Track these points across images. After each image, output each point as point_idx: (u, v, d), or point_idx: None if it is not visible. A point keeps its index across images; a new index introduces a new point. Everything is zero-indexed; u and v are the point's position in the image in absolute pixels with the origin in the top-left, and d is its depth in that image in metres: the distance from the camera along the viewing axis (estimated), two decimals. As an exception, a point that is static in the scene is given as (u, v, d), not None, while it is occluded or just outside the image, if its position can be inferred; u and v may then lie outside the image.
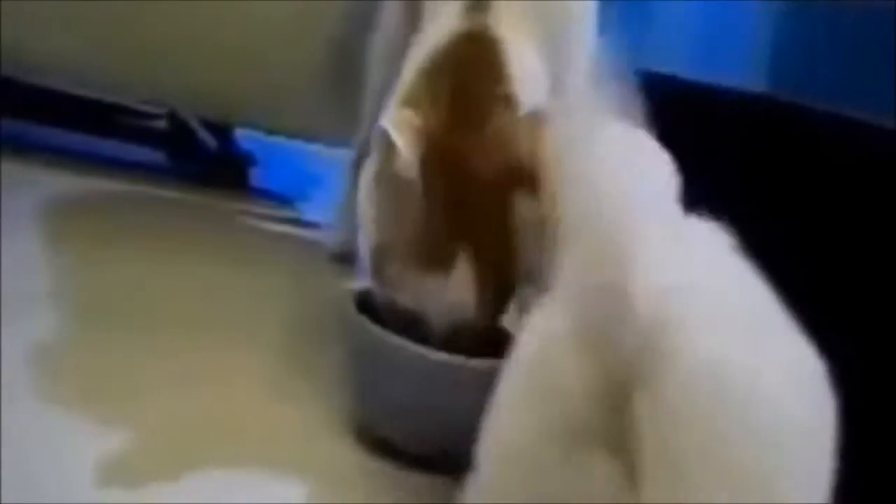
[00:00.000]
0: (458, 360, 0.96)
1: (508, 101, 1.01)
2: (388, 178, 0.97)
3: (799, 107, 1.18)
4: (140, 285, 1.28)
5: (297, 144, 2.02)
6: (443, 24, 1.06)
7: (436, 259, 0.97)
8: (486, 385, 0.99)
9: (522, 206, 0.97)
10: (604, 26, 1.22)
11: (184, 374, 1.07)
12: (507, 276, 1.01)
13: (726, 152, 0.99)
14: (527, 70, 1.05)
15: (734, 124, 1.08)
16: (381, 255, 1.01)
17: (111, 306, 1.19)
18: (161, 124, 2.06)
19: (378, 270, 1.01)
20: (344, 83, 1.73)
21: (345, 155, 1.74)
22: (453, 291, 0.97)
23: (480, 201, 0.98)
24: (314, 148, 2.02)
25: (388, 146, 0.95)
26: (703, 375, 0.57)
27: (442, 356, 0.96)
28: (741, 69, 1.39)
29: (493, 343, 1.01)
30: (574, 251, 0.71)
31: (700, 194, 0.94)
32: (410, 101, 1.01)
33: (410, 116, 0.97)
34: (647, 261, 0.63)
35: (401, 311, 0.99)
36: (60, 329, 1.08)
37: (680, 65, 1.46)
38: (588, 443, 0.63)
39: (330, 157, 2.03)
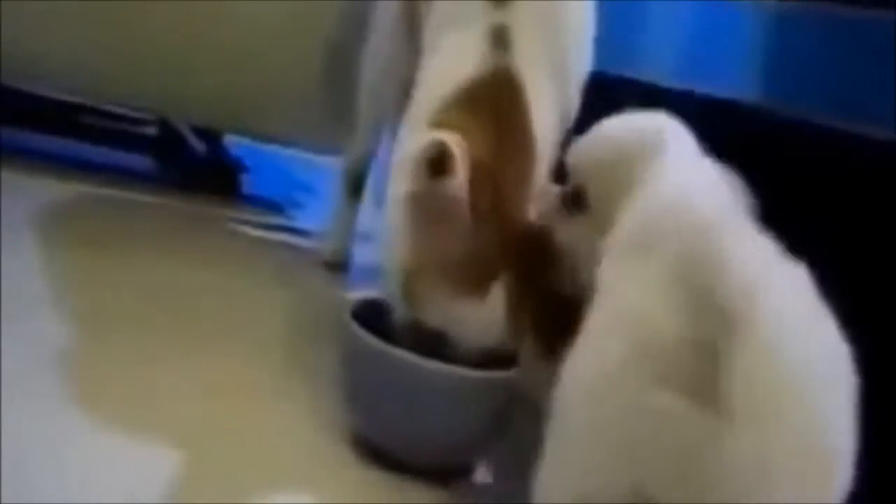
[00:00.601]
0: (452, 370, 0.96)
1: (532, 140, 1.03)
2: (432, 199, 0.96)
3: (789, 118, 1.18)
4: (131, 291, 1.28)
5: (288, 152, 2.03)
6: (464, 54, 1.06)
7: (473, 283, 0.97)
8: (480, 395, 1.00)
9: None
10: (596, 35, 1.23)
11: (176, 380, 1.06)
12: (526, 305, 1.00)
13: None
14: (544, 109, 1.06)
15: (723, 134, 1.08)
16: (413, 277, 0.99)
17: (103, 312, 1.19)
18: (151, 131, 2.06)
19: (409, 292, 0.99)
20: (335, 92, 1.74)
21: (335, 163, 1.75)
22: (487, 316, 0.97)
23: (513, 225, 0.98)
24: (304, 155, 2.02)
25: (432, 166, 0.94)
26: (786, 335, 0.66)
27: (436, 366, 0.96)
28: (733, 77, 1.39)
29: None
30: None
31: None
32: (444, 127, 0.99)
33: (458, 139, 0.95)
34: (737, 240, 0.72)
35: (426, 333, 0.98)
36: (53, 334, 1.07)
37: (671, 73, 1.47)
38: (671, 386, 0.68)
39: (320, 165, 2.04)
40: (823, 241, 0.88)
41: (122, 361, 1.07)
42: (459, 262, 0.96)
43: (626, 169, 0.92)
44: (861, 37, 1.18)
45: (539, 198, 1.01)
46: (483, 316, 0.97)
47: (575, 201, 0.96)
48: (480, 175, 0.95)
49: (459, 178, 0.93)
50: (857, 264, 0.87)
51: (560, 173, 1.00)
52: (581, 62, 1.20)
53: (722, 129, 0.95)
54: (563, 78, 1.13)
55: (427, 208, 0.97)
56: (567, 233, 0.97)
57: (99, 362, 1.06)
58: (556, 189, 0.99)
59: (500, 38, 1.06)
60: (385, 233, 1.04)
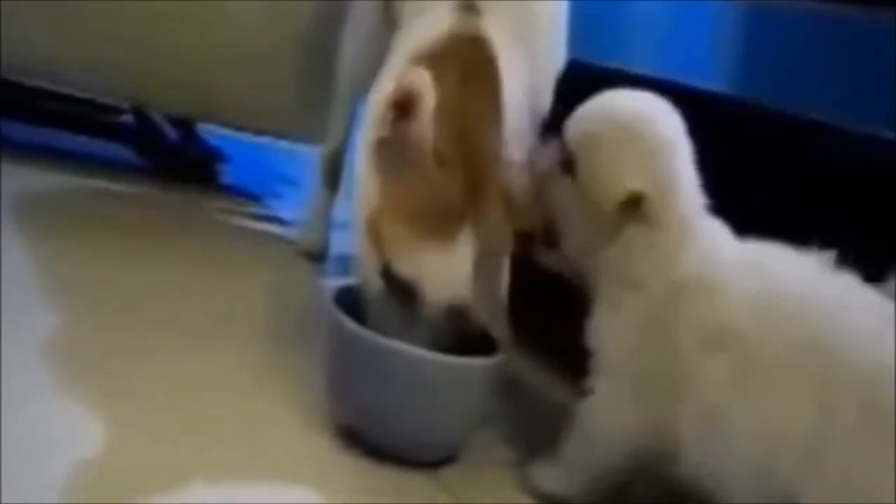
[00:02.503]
0: (436, 357, 0.97)
1: (500, 99, 1.04)
2: (397, 142, 0.97)
3: (762, 108, 1.20)
4: (108, 281, 1.27)
5: (265, 141, 2.02)
6: (435, 23, 1.08)
7: (439, 228, 0.97)
8: (463, 382, 1.01)
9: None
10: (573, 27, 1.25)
11: (155, 368, 1.06)
12: (498, 261, 1.02)
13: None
14: (513, 76, 1.07)
15: (697, 124, 1.10)
16: (379, 220, 0.99)
17: (79, 302, 1.18)
18: (127, 120, 2.05)
19: (376, 236, 1.00)
20: (311, 81, 1.74)
21: (312, 152, 1.75)
22: (453, 266, 0.97)
23: (484, 182, 0.99)
24: (281, 145, 2.02)
25: (398, 109, 0.96)
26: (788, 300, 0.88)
27: (420, 353, 0.96)
28: (706, 70, 1.41)
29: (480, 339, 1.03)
30: None
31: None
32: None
33: (427, 78, 0.96)
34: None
35: (395, 285, 0.98)
36: (30, 323, 1.07)
37: (646, 63, 1.49)
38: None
39: (297, 155, 2.03)
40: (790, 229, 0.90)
41: (100, 350, 1.07)
42: (424, 206, 0.97)
43: (611, 146, 0.95)
44: (836, 32, 1.20)
45: (535, 155, 1.03)
46: (450, 266, 0.97)
47: (566, 167, 0.98)
48: (446, 122, 0.96)
49: (425, 122, 0.95)
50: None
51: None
52: (553, 44, 1.22)
53: (700, 119, 0.98)
54: (533, 53, 1.14)
55: (392, 152, 0.98)
56: (558, 194, 0.99)
57: (78, 351, 1.06)
58: (554, 149, 1.00)
59: (470, 8, 1.09)
60: (353, 189, 1.05)
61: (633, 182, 0.93)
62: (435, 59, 1.03)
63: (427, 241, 0.96)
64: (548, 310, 1.03)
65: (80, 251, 1.35)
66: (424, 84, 0.95)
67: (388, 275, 0.98)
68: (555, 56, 1.23)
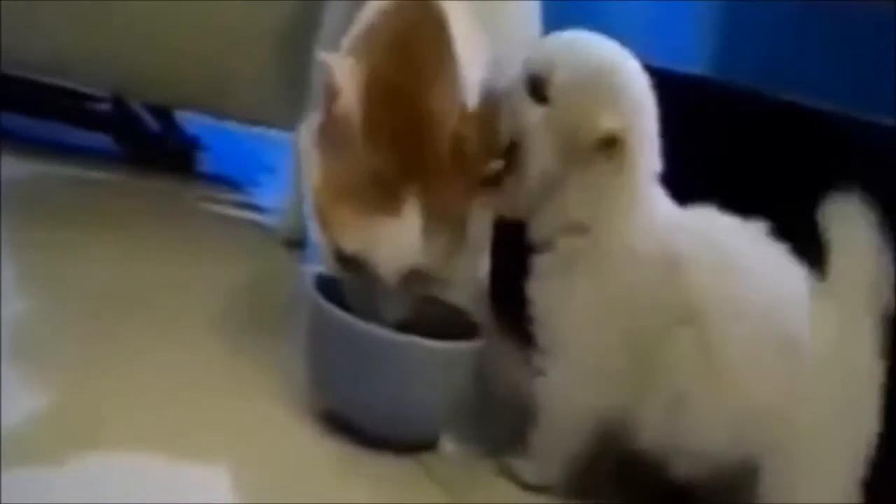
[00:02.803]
0: (418, 342, 0.97)
1: (452, 61, 1.04)
2: (331, 121, 0.98)
3: (744, 90, 1.20)
4: (85, 270, 1.26)
5: (244, 129, 2.01)
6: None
7: (383, 202, 0.97)
8: (445, 366, 1.01)
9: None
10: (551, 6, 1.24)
11: (134, 357, 1.06)
12: (457, 221, 1.01)
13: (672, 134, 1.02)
14: (469, 48, 1.07)
15: (678, 107, 1.10)
16: (321, 200, 1.00)
17: (60, 289, 1.18)
18: (105, 108, 2.03)
19: (323, 218, 1.01)
20: (291, 67, 1.73)
21: (292, 139, 1.74)
22: (401, 236, 0.97)
23: (428, 146, 0.98)
24: (261, 132, 2.01)
25: (331, 91, 0.97)
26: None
27: (403, 338, 0.96)
28: (687, 53, 1.41)
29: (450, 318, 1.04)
30: None
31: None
32: (352, 53, 1.03)
33: (351, 62, 0.99)
34: None
35: (349, 261, 0.99)
36: (9, 313, 1.05)
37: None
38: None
39: (276, 142, 2.02)
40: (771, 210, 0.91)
41: (77, 339, 1.07)
42: (360, 182, 0.97)
43: (595, 80, 0.95)
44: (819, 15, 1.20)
45: (499, 81, 1.02)
46: (396, 235, 0.97)
47: (534, 89, 0.97)
48: (385, 94, 0.97)
49: (345, 100, 0.96)
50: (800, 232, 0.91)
51: None
52: (519, 16, 1.23)
53: (678, 101, 0.98)
54: (495, 25, 1.14)
55: (327, 134, 0.99)
56: (526, 120, 0.98)
57: (52, 340, 1.05)
58: (520, 73, 1.00)
59: None
60: (304, 161, 1.07)
61: (612, 121, 0.93)
62: (378, 29, 1.04)
63: (369, 215, 0.97)
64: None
65: (56, 240, 1.33)
66: (343, 65, 0.97)
67: (339, 255, 0.99)
68: (522, 29, 1.22)
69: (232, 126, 1.97)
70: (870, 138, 1.04)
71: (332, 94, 0.97)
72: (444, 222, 0.99)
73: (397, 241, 0.97)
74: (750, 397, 0.90)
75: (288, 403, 1.04)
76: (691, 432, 0.91)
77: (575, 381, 0.96)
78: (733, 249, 0.93)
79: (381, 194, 0.97)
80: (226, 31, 1.73)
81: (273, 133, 1.93)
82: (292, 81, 1.71)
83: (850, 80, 1.13)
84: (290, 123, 1.79)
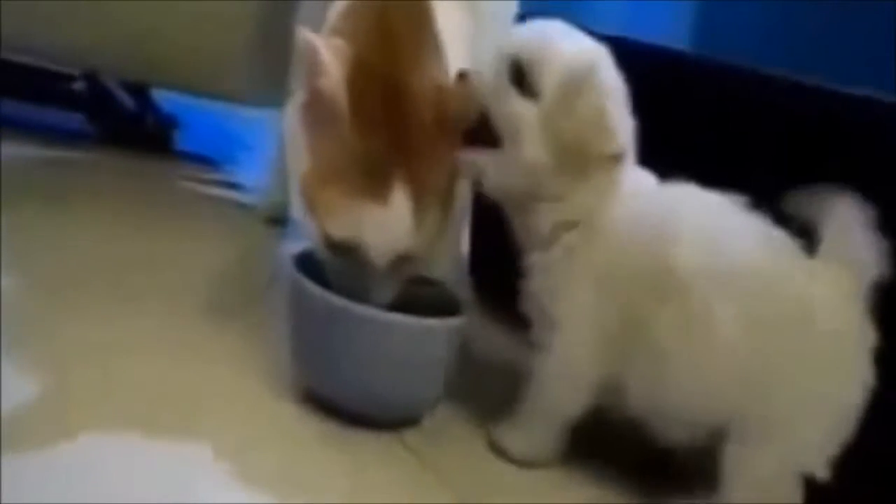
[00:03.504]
0: (402, 319, 0.97)
1: (433, 41, 1.04)
2: (316, 103, 0.97)
3: (721, 64, 1.20)
4: (63, 250, 1.25)
5: (221, 106, 2.00)
6: None
7: (371, 187, 0.96)
8: (428, 344, 1.01)
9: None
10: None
11: (117, 336, 1.05)
12: (442, 201, 1.01)
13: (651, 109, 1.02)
14: (451, 24, 1.07)
15: (657, 82, 1.10)
16: (310, 183, 0.99)
17: (39, 271, 1.16)
18: (79, 86, 2.01)
19: (311, 202, 0.99)
20: (270, 43, 1.71)
21: (271, 117, 1.72)
22: (391, 221, 0.97)
23: (413, 127, 0.98)
24: (238, 110, 2.00)
25: (317, 72, 0.95)
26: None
27: (380, 315, 0.96)
28: (667, 27, 1.41)
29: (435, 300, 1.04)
30: None
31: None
32: (336, 34, 1.02)
33: (337, 42, 0.97)
34: None
35: (338, 246, 0.98)
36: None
37: (608, 24, 1.48)
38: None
39: (255, 120, 2.01)
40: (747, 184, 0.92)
41: (56, 318, 1.06)
42: (349, 166, 0.96)
43: (587, 78, 0.95)
44: None
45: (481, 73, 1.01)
46: (386, 219, 0.96)
47: (522, 81, 0.97)
48: (366, 76, 0.96)
49: (332, 77, 0.94)
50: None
51: None
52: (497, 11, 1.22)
53: (655, 76, 0.98)
54: (475, 5, 1.14)
55: (313, 114, 0.98)
56: (514, 112, 0.97)
57: (32, 319, 1.05)
58: (501, 59, 0.99)
59: None
60: (288, 143, 1.05)
61: (616, 146, 0.95)
62: (361, 9, 1.03)
63: (358, 199, 0.95)
64: (513, 270, 1.03)
65: (32, 221, 1.32)
66: (331, 45, 0.95)
67: (329, 240, 0.98)
68: (501, 8, 1.22)
69: (208, 104, 1.95)
70: (852, 110, 1.04)
71: (317, 72, 0.95)
72: (430, 203, 0.99)
73: (387, 226, 0.97)
74: (727, 365, 0.91)
75: (269, 381, 1.03)
76: (670, 397, 0.93)
77: (576, 354, 0.97)
78: (714, 223, 0.94)
79: (369, 178, 0.96)
80: (203, 8, 1.71)
81: (250, 111, 1.92)
82: (271, 59, 1.69)
83: (834, 54, 1.13)
84: (268, 101, 1.78)
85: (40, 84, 1.96)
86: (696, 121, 1.15)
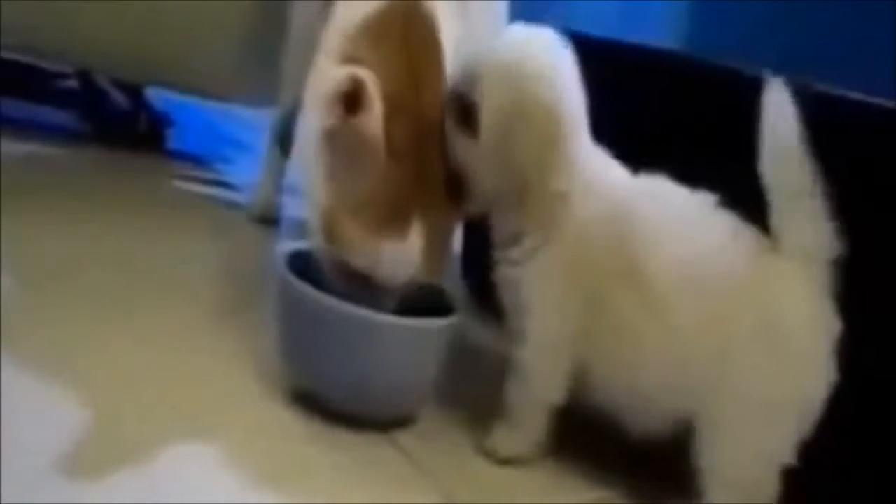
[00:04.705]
0: (393, 320, 0.97)
1: (443, 72, 1.02)
2: (347, 135, 0.94)
3: (712, 65, 1.20)
4: (55, 248, 1.26)
5: (213, 106, 2.00)
6: None
7: (393, 221, 0.96)
8: (419, 343, 1.01)
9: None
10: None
11: (108, 335, 1.05)
12: (448, 232, 1.02)
13: (638, 107, 1.02)
14: (449, 46, 1.05)
15: (647, 81, 1.11)
16: (331, 216, 0.98)
17: (32, 268, 1.16)
18: (72, 84, 2.01)
19: (331, 233, 0.98)
20: (262, 42, 1.71)
21: (262, 116, 1.73)
22: (405, 256, 0.97)
23: (431, 161, 0.98)
24: (229, 108, 2.00)
25: (346, 101, 0.93)
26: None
27: (371, 315, 0.96)
28: (658, 29, 1.41)
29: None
30: None
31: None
32: (355, 62, 0.98)
33: (371, 74, 0.94)
34: None
35: (353, 274, 0.98)
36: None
37: (598, 25, 1.49)
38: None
39: (246, 118, 2.01)
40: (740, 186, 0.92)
41: (48, 315, 1.07)
42: (377, 200, 0.95)
43: (518, 97, 0.94)
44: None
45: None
46: (403, 254, 0.97)
47: (467, 120, 0.97)
48: (394, 109, 0.94)
49: (375, 114, 0.92)
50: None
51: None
52: (490, 11, 1.22)
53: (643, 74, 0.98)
54: (466, 13, 1.13)
55: (342, 145, 0.95)
56: (463, 151, 0.98)
57: (22, 316, 1.04)
58: (451, 104, 0.99)
59: None
60: (302, 173, 1.03)
61: (559, 184, 0.96)
62: (376, 36, 1.00)
63: (381, 234, 0.95)
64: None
65: (24, 219, 1.32)
66: (371, 77, 0.92)
67: (344, 267, 0.98)
68: (492, 10, 1.23)
69: (199, 102, 1.95)
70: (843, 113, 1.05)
71: (355, 97, 0.92)
72: (441, 232, 1.00)
73: (401, 260, 0.97)
74: (688, 357, 0.92)
75: (259, 380, 1.04)
76: (637, 388, 0.95)
77: (548, 341, 0.99)
78: (682, 216, 0.96)
79: (391, 212, 0.96)
80: (196, 8, 1.71)
81: (242, 110, 1.92)
82: (263, 59, 1.70)
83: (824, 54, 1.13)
84: (260, 101, 1.79)
85: (34, 82, 1.96)
86: (678, 120, 1.15)
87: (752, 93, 0.94)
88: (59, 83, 1.99)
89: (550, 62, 0.97)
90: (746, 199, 0.92)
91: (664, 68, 1.21)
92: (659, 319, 0.93)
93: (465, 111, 0.96)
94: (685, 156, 1.01)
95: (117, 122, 1.97)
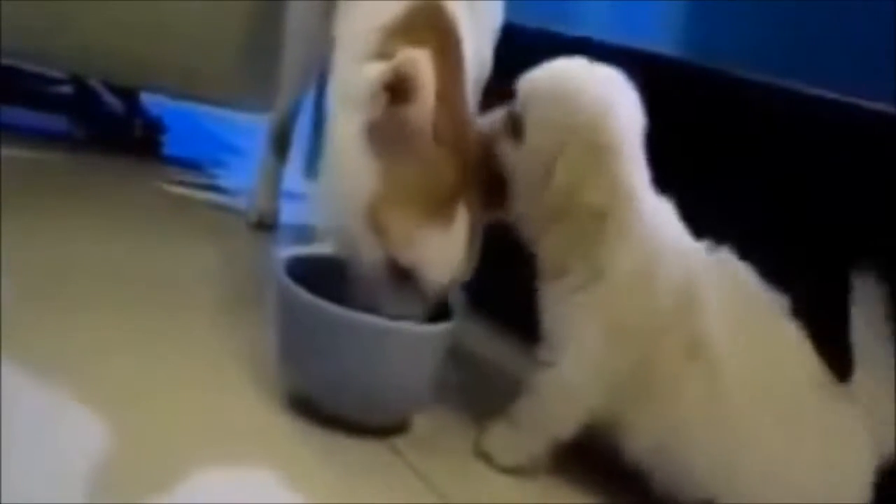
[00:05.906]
0: (392, 325, 0.97)
1: (466, 69, 1.04)
2: (396, 125, 0.95)
3: (711, 70, 1.21)
4: (50, 253, 1.25)
5: (208, 111, 2.00)
6: None
7: (439, 212, 0.96)
8: (418, 349, 1.01)
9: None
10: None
11: (104, 341, 1.05)
12: (479, 229, 1.01)
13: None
14: (467, 44, 1.07)
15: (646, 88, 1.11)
16: (379, 208, 0.96)
17: (27, 275, 1.16)
18: (66, 90, 2.01)
19: (376, 225, 0.97)
20: (258, 48, 1.72)
21: (257, 121, 1.73)
22: (452, 247, 0.97)
23: (471, 157, 0.98)
24: (224, 114, 1.99)
25: (394, 92, 0.93)
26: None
27: (374, 320, 0.96)
28: (656, 33, 1.41)
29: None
30: None
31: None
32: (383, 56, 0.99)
33: (427, 56, 0.94)
34: None
35: (397, 271, 0.97)
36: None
37: (596, 28, 1.49)
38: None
39: (240, 123, 2.01)
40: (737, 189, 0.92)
41: (48, 321, 1.06)
42: (425, 190, 0.95)
43: (561, 111, 0.95)
44: None
45: (485, 120, 1.02)
46: (449, 248, 0.97)
47: (513, 127, 0.98)
48: (439, 100, 0.95)
49: (427, 101, 0.93)
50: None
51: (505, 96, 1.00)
52: (491, 11, 1.23)
53: (644, 82, 0.98)
54: (475, 10, 1.13)
55: (389, 136, 0.96)
56: (507, 157, 0.99)
57: (20, 321, 1.03)
58: (500, 112, 1.00)
59: None
60: (335, 174, 1.02)
61: (596, 196, 0.94)
62: (409, 33, 1.00)
63: (428, 225, 0.95)
64: (505, 276, 1.03)
65: (19, 224, 1.32)
66: (423, 66, 0.93)
67: (390, 262, 0.97)
68: (493, 10, 1.23)
69: (195, 108, 1.95)
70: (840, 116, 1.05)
71: (403, 87, 0.93)
72: (474, 232, 0.99)
73: (448, 255, 0.97)
74: (745, 444, 0.91)
75: (256, 386, 1.03)
76: (680, 458, 0.93)
77: (580, 382, 0.97)
78: (751, 295, 0.95)
79: (441, 203, 0.96)
80: (192, 13, 1.71)
81: (238, 115, 1.92)
82: (259, 65, 1.70)
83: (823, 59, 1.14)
84: (255, 105, 1.79)
85: (28, 87, 1.96)
86: (681, 126, 1.15)
87: (751, 96, 0.95)
88: (53, 88, 1.99)
89: (598, 77, 0.98)
90: (746, 199, 0.92)
91: (662, 72, 1.21)
92: (720, 401, 0.92)
93: (511, 118, 0.98)
94: (685, 160, 1.01)
95: (112, 128, 1.97)
